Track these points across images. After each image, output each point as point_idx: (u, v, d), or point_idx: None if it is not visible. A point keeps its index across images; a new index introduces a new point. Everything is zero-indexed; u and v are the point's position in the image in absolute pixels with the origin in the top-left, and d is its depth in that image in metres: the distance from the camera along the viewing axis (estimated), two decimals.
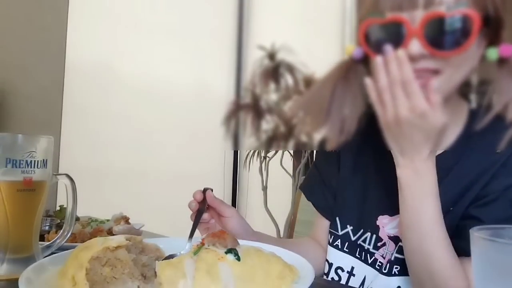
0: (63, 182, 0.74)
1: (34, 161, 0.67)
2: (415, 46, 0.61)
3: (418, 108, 0.60)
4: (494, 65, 0.65)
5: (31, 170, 0.67)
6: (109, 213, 1.07)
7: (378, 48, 0.63)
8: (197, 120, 2.57)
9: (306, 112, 0.76)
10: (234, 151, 2.85)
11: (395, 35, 0.62)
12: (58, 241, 0.74)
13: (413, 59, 0.61)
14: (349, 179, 0.87)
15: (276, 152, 2.37)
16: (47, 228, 1.00)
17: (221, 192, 2.72)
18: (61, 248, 0.70)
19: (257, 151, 2.41)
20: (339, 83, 0.72)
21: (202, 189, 0.84)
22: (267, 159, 2.47)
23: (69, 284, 0.53)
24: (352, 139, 0.73)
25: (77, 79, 2.35)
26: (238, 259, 0.55)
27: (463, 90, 0.74)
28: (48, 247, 0.73)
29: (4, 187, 0.66)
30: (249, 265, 0.55)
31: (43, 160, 0.69)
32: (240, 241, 0.61)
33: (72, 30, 2.32)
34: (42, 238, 0.79)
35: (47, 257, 0.64)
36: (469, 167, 0.72)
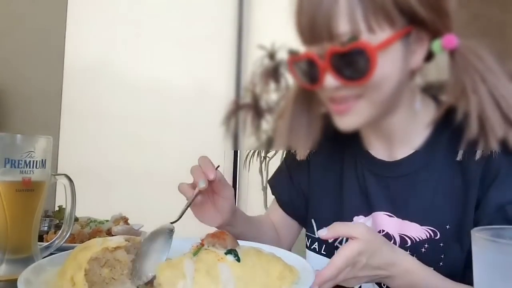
0: (62, 182, 0.74)
1: (33, 161, 0.67)
2: (329, 80, 0.64)
3: None
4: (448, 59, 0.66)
5: (30, 170, 0.67)
6: (108, 213, 1.06)
7: (305, 82, 0.68)
8: (197, 120, 2.57)
9: (276, 130, 0.82)
10: (234, 151, 2.85)
11: (310, 71, 0.66)
12: (57, 241, 0.74)
13: (330, 90, 0.64)
14: (321, 181, 0.88)
15: (276, 152, 2.37)
16: (46, 228, 0.99)
17: None
18: (60, 249, 0.70)
19: (257, 151, 2.41)
20: (297, 102, 0.77)
21: (215, 166, 0.77)
22: (267, 159, 2.47)
23: (68, 285, 0.52)
24: (321, 143, 0.77)
25: (76, 80, 2.35)
26: (238, 259, 0.55)
27: (431, 91, 0.75)
28: (47, 247, 0.73)
29: (3, 187, 0.66)
30: (249, 265, 0.54)
31: (42, 160, 0.69)
32: (240, 242, 0.60)
33: (71, 31, 2.32)
34: (41, 239, 0.79)
35: (46, 258, 0.63)
36: (440, 171, 0.72)
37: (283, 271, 0.55)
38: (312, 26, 0.63)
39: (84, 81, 2.37)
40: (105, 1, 2.47)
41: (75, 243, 0.88)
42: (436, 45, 0.65)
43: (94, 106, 2.41)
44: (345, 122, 0.68)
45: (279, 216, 0.96)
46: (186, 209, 0.72)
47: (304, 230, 0.94)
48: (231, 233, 0.78)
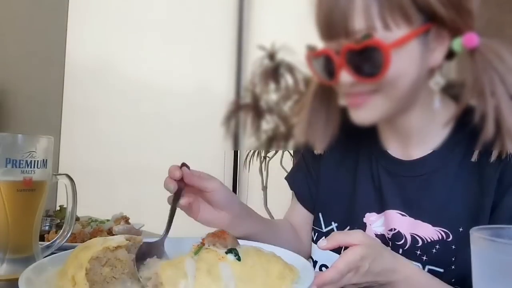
0: (63, 182, 0.74)
1: (34, 161, 0.67)
2: (344, 76, 0.64)
3: None
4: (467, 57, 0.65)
5: (31, 170, 0.67)
6: (109, 213, 1.07)
7: (323, 77, 0.69)
8: (197, 120, 2.57)
9: (296, 124, 0.82)
10: (234, 151, 2.85)
11: (327, 67, 0.67)
12: (58, 241, 0.74)
13: (346, 85, 0.65)
14: (334, 175, 0.87)
15: (276, 152, 2.37)
16: (47, 228, 1.00)
17: None
18: (61, 248, 0.70)
19: (257, 151, 2.41)
20: (316, 96, 0.77)
21: (180, 164, 0.74)
22: (267, 159, 2.47)
23: (69, 284, 0.53)
24: (338, 138, 0.77)
25: (77, 79, 2.35)
26: (239, 259, 0.55)
27: (451, 91, 0.74)
28: (48, 247, 0.74)
29: (4, 187, 0.66)
30: (249, 265, 0.55)
31: (43, 160, 0.69)
32: (240, 241, 0.61)
33: (72, 30, 2.32)
34: (42, 238, 0.79)
35: (47, 257, 0.63)
36: (456, 172, 0.71)
37: (283, 270, 0.56)
38: (329, 22, 0.63)
39: (85, 81, 2.38)
40: (106, 1, 2.47)
41: (76, 242, 0.88)
42: (457, 43, 0.64)
43: (95, 106, 2.41)
44: (361, 116, 0.68)
45: (299, 216, 0.94)
46: (171, 218, 0.69)
47: None
48: (249, 233, 0.78)
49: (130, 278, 0.57)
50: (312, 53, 0.68)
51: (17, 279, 0.51)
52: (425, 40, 0.63)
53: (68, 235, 0.75)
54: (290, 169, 1.01)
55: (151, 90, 2.55)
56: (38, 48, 2.21)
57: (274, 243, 0.69)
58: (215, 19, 2.75)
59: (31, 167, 0.67)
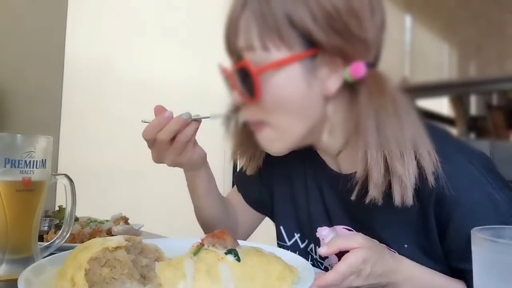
0: (62, 182, 0.74)
1: (33, 161, 0.67)
2: (234, 96, 0.64)
3: None
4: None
5: (30, 170, 0.67)
6: (108, 213, 1.06)
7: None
8: None
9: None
10: None
11: (228, 85, 0.67)
12: (57, 241, 0.74)
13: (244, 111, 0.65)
14: (286, 191, 0.85)
15: None
16: (46, 228, 0.99)
17: (221, 191, 2.71)
18: (60, 249, 0.70)
19: None
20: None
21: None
22: None
23: (68, 285, 0.52)
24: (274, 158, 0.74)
25: (76, 79, 2.34)
26: (238, 259, 0.55)
27: None
28: (47, 247, 0.73)
29: (3, 187, 0.66)
30: (249, 265, 0.54)
31: (42, 160, 0.69)
32: (240, 242, 0.60)
33: (71, 30, 2.32)
34: (41, 239, 0.79)
35: (46, 258, 0.63)
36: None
37: (283, 271, 0.56)
38: (225, 38, 0.65)
39: (85, 81, 2.37)
40: (105, 1, 2.47)
41: (75, 243, 0.88)
42: (346, 73, 0.60)
43: (95, 106, 2.41)
44: (268, 147, 0.68)
45: (241, 203, 0.94)
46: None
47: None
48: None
49: (129, 279, 0.57)
50: (220, 69, 0.68)
51: (16, 280, 0.51)
52: (310, 65, 0.60)
53: (67, 235, 0.75)
54: None
55: (150, 90, 2.55)
56: (37, 48, 2.21)
57: (224, 222, 0.69)
58: (215, 18, 2.75)
59: (30, 167, 0.67)
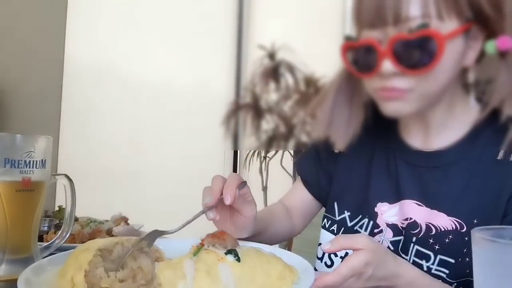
0: (62, 182, 0.74)
1: (33, 161, 0.67)
2: (387, 65, 0.63)
3: None
4: (497, 59, 0.65)
5: (30, 170, 0.67)
6: (108, 213, 1.06)
7: (358, 69, 0.67)
8: (197, 120, 2.57)
9: (312, 120, 0.80)
10: (234, 151, 2.84)
11: (368, 57, 0.65)
12: (57, 241, 0.74)
13: (385, 76, 0.64)
14: (350, 165, 0.87)
15: (276, 152, 2.37)
16: (45, 228, 0.99)
17: None
18: (60, 249, 0.70)
19: (257, 151, 2.41)
20: (340, 91, 0.76)
21: (241, 182, 0.70)
22: (267, 159, 2.47)
23: (68, 285, 0.52)
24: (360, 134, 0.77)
25: (76, 79, 2.34)
26: (238, 260, 0.55)
27: (472, 88, 0.74)
28: (47, 247, 0.73)
29: (3, 187, 0.66)
30: (249, 266, 0.54)
31: (42, 160, 0.69)
32: (240, 242, 0.60)
33: (70, 31, 2.32)
34: (41, 239, 0.79)
35: (46, 258, 0.63)
36: (475, 167, 0.72)
37: (283, 271, 0.55)
38: (378, 8, 0.62)
39: (84, 81, 2.37)
40: (105, 1, 2.47)
41: (75, 243, 0.88)
42: (490, 45, 0.64)
43: (94, 106, 2.41)
44: (393, 107, 0.67)
45: (299, 200, 0.95)
46: (190, 222, 0.67)
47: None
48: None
49: None
50: (350, 43, 0.67)
51: (16, 280, 0.51)
52: (467, 37, 0.64)
53: (67, 235, 0.75)
54: (290, 169, 1.01)
55: (150, 90, 2.55)
56: (37, 48, 2.21)
57: (269, 230, 0.68)
58: (215, 18, 2.75)
59: (29, 167, 0.67)
